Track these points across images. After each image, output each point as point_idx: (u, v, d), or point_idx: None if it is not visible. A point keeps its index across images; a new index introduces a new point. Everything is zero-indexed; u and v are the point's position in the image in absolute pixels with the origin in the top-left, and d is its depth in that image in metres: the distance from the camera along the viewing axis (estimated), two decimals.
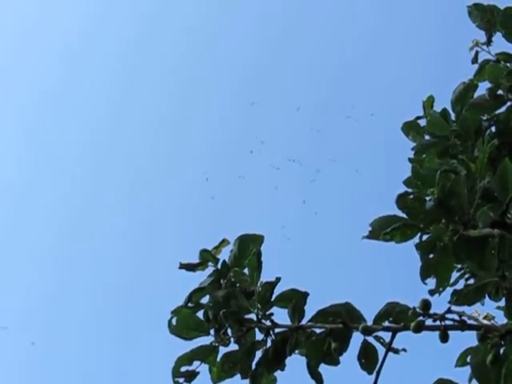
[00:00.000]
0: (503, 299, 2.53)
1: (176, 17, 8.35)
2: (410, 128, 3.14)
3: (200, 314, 2.50)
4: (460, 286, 2.62)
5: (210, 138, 8.16)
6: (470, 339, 2.44)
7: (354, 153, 7.37)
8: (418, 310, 2.16)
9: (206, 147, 8.06)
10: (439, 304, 2.29)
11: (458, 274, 2.86)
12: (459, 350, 2.54)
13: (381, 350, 2.27)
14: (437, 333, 2.19)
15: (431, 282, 2.44)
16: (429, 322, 2.18)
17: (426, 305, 2.15)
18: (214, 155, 7.92)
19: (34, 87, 8.39)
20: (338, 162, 7.24)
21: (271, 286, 2.43)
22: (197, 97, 8.24)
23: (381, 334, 2.28)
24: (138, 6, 8.35)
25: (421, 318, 2.14)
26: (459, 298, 2.36)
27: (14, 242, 8.04)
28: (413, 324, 2.13)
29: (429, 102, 3.13)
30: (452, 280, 2.61)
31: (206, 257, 2.59)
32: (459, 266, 2.83)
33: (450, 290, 2.47)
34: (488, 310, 2.78)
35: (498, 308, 2.74)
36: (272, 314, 2.42)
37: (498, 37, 2.82)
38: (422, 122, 3.13)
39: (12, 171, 8.26)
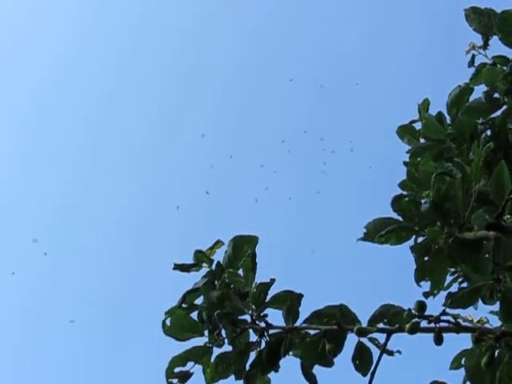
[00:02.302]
0: (497, 304, 2.53)
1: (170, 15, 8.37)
2: (405, 131, 3.14)
3: (194, 315, 2.49)
4: (454, 289, 2.62)
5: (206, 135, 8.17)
6: (464, 342, 2.44)
7: (350, 154, 7.37)
8: (413, 311, 2.16)
9: (202, 145, 8.07)
10: (433, 308, 2.29)
11: (452, 277, 2.86)
12: (454, 353, 2.54)
13: (375, 352, 2.27)
14: (431, 335, 2.19)
15: (426, 285, 2.44)
16: (424, 324, 2.18)
17: (421, 306, 2.15)
18: (209, 154, 7.93)
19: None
20: (335, 162, 7.26)
21: (266, 287, 2.43)
22: (191, 95, 8.25)
23: (375, 335, 2.28)
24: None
25: (416, 319, 2.14)
26: (453, 300, 2.36)
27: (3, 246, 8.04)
28: (408, 325, 2.13)
29: (424, 106, 3.13)
30: (445, 284, 2.61)
31: (201, 258, 2.58)
32: (452, 269, 2.83)
33: (443, 294, 2.47)
34: (481, 315, 2.79)
35: (491, 313, 2.74)
36: (266, 316, 2.42)
37: (494, 40, 2.82)
38: (417, 126, 3.13)
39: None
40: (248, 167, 7.68)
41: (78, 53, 8.48)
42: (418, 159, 2.91)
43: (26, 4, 8.60)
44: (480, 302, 2.65)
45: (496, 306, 2.58)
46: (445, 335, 2.18)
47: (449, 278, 2.79)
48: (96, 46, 8.52)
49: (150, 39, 8.57)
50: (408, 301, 2.25)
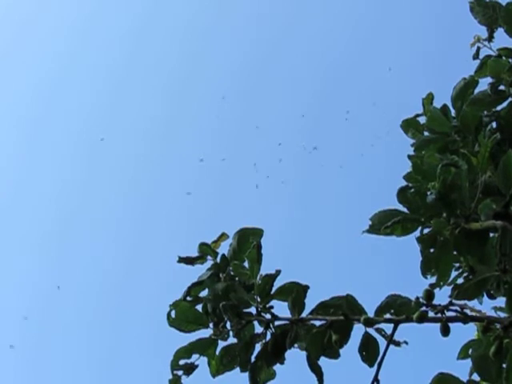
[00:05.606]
0: (500, 299, 2.52)
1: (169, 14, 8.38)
2: (409, 125, 3.13)
3: (199, 308, 2.48)
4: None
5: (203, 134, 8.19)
6: (471, 334, 2.44)
7: (354, 148, 7.38)
8: (420, 300, 2.14)
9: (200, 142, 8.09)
10: (439, 301, 2.27)
11: (457, 272, 2.85)
12: (460, 344, 2.53)
13: (382, 343, 2.26)
14: (438, 326, 2.17)
15: (431, 280, 2.42)
16: (431, 315, 2.17)
17: (429, 295, 2.14)
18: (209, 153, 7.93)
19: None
20: (338, 158, 7.26)
21: (271, 278, 2.41)
22: (190, 95, 8.27)
23: (382, 326, 2.26)
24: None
25: (423, 308, 2.13)
26: (460, 292, 2.35)
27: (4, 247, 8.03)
28: (416, 314, 2.12)
29: (428, 100, 3.11)
30: (450, 278, 2.60)
31: (205, 250, 2.57)
32: (457, 264, 2.81)
33: (448, 288, 2.45)
34: (484, 311, 2.77)
35: (495, 308, 2.72)
36: (272, 307, 2.41)
37: (499, 33, 2.81)
38: (422, 120, 3.11)
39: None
40: (248, 163, 7.67)
41: (74, 54, 8.49)
42: (423, 152, 2.90)
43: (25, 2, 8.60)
44: (484, 297, 2.65)
45: (499, 302, 2.57)
46: (452, 326, 2.17)
47: (454, 274, 2.77)
48: (94, 46, 8.54)
49: (148, 39, 8.57)
50: (414, 293, 2.24)
